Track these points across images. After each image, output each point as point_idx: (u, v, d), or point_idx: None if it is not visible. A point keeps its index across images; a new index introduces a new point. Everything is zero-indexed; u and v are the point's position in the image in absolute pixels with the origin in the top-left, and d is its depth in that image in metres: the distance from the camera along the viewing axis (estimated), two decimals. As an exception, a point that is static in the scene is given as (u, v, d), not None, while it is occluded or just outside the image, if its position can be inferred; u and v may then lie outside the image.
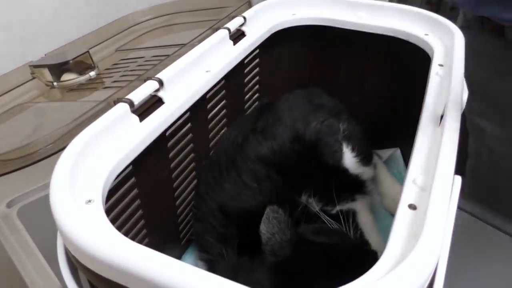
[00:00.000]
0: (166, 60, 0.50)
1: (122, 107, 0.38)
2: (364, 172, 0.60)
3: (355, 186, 0.55)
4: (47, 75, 0.53)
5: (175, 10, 0.71)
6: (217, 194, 0.53)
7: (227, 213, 0.51)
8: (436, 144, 0.36)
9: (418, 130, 0.39)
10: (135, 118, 0.39)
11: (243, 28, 0.56)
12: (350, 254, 0.42)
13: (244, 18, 0.56)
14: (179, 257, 0.57)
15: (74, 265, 0.31)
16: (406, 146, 0.67)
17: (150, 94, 0.41)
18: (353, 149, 0.59)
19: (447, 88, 0.43)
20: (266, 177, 0.52)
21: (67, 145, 0.35)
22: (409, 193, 0.32)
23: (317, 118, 0.61)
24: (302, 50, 0.66)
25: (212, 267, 0.50)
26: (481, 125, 0.76)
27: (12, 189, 0.70)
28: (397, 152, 0.69)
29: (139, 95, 0.40)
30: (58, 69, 0.53)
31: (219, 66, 0.50)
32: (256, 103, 0.67)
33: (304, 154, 0.56)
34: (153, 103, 0.42)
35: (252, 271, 0.42)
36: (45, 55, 0.58)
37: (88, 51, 0.55)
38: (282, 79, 0.67)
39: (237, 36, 0.55)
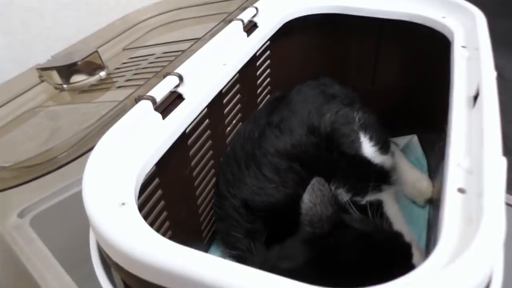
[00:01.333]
0: (181, 55, 0.48)
1: (145, 105, 0.36)
2: (383, 160, 0.59)
3: (380, 176, 0.54)
4: (56, 77, 0.52)
5: (179, 5, 0.69)
6: (239, 190, 0.51)
7: (252, 208, 0.50)
8: (474, 125, 0.35)
9: (451, 113, 0.37)
10: (158, 115, 0.38)
11: (255, 19, 0.54)
12: (385, 244, 0.40)
13: (256, 8, 0.54)
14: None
15: (108, 265, 0.30)
16: (423, 132, 0.67)
17: (171, 91, 0.40)
18: (370, 138, 0.58)
19: (475, 69, 0.42)
20: (289, 169, 0.51)
21: (90, 148, 0.34)
22: (455, 177, 0.30)
23: (331, 109, 0.60)
24: (313, 39, 0.64)
25: (242, 263, 0.49)
26: None
27: (21, 199, 0.69)
28: (414, 138, 0.68)
29: (160, 91, 0.38)
30: (67, 71, 0.52)
31: (235, 58, 0.48)
32: (268, 96, 0.66)
33: (322, 146, 0.55)
34: (174, 99, 0.40)
35: (284, 246, 0.40)
36: (52, 57, 0.56)
37: (97, 51, 0.53)
38: (292, 71, 0.65)
39: (250, 27, 0.53)
